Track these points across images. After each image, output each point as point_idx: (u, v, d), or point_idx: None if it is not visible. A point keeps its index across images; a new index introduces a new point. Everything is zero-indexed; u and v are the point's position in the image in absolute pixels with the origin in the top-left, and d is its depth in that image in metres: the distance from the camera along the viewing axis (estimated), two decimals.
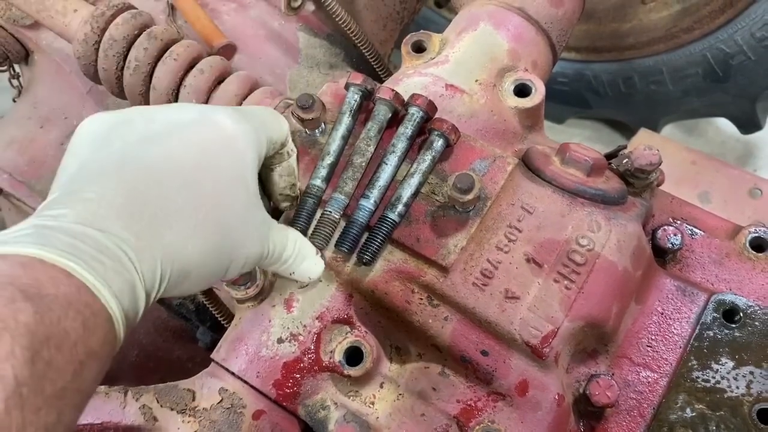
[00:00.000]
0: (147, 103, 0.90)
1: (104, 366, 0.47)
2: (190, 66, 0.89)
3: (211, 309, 0.86)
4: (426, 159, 0.71)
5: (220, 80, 0.90)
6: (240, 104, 0.86)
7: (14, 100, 1.24)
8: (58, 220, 0.48)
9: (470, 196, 0.67)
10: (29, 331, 0.40)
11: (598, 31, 1.79)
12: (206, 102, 0.88)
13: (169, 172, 0.54)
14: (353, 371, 0.70)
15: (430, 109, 0.72)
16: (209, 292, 0.87)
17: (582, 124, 2.10)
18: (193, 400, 0.70)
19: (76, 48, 0.91)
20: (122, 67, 0.89)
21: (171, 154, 0.55)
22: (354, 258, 0.71)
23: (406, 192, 0.70)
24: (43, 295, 0.43)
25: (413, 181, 0.71)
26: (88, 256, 0.47)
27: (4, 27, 1.06)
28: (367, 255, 0.70)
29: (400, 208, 0.70)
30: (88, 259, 0.47)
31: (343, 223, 0.72)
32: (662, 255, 0.80)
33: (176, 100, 0.88)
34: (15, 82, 1.21)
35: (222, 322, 0.88)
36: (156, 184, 0.53)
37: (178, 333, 1.03)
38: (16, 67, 1.20)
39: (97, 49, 0.90)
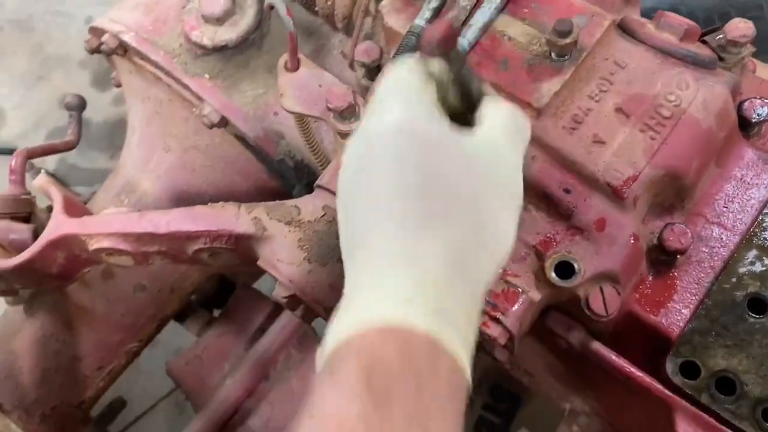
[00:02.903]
0: None
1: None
2: None
3: (313, 156, 0.94)
4: None
5: None
6: None
7: None
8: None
9: (568, 40, 0.72)
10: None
11: None
12: None
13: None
14: None
15: None
16: (312, 137, 0.95)
17: None
18: (299, 214, 0.78)
19: None
20: None
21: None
22: None
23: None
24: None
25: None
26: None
27: None
28: None
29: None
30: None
31: None
32: (747, 128, 0.83)
33: None
34: None
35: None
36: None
37: (275, 194, 1.12)
38: None
39: None
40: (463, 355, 0.46)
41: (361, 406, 0.40)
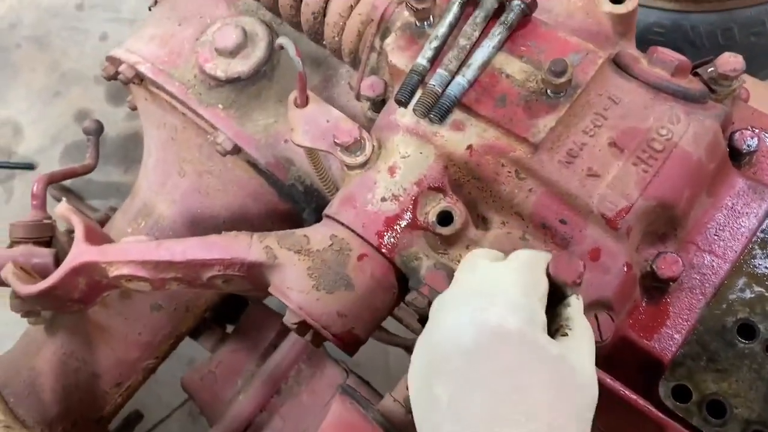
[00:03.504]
0: (276, 2, 1.01)
1: None
2: None
3: (322, 184, 0.98)
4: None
5: None
6: (357, 2, 0.95)
7: (150, 9, 1.40)
8: None
9: (563, 79, 0.76)
10: None
11: None
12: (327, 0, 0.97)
13: None
14: (444, 230, 0.80)
15: (531, 4, 0.80)
16: (321, 168, 0.99)
17: None
18: (308, 243, 0.82)
19: None
20: None
21: None
22: (448, 128, 0.81)
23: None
24: None
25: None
26: None
27: None
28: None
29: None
30: None
31: None
32: (738, 158, 0.86)
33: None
34: None
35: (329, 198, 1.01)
36: None
37: (286, 216, 1.16)
38: None
39: None
40: None
41: None
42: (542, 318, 0.59)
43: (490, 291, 0.59)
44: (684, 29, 1.88)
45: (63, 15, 2.60)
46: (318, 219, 0.91)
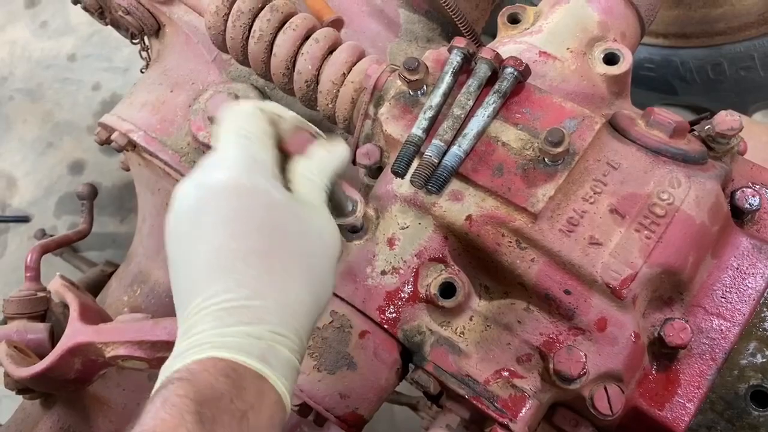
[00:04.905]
0: (268, 69, 1.01)
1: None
2: (307, 36, 1.00)
3: None
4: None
5: (332, 49, 1.00)
6: (350, 70, 0.95)
7: (142, 71, 1.40)
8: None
9: (560, 149, 0.75)
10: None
11: (688, 16, 1.80)
12: (320, 68, 0.98)
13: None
14: (447, 303, 0.79)
15: (525, 70, 0.80)
16: None
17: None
18: None
19: (207, 19, 1.03)
20: (247, 37, 1.01)
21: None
22: (446, 198, 0.80)
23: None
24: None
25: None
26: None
27: (142, 3, 1.20)
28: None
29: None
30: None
31: None
32: (740, 216, 0.85)
33: (294, 66, 0.99)
34: (144, 54, 1.36)
35: None
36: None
37: None
38: (146, 40, 1.34)
39: (225, 21, 1.02)
40: (286, 390, 0.55)
41: (187, 429, 0.48)
42: (266, 166, 0.60)
43: (215, 159, 0.60)
44: (674, 65, 1.89)
45: (55, 66, 2.61)
46: None
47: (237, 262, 0.55)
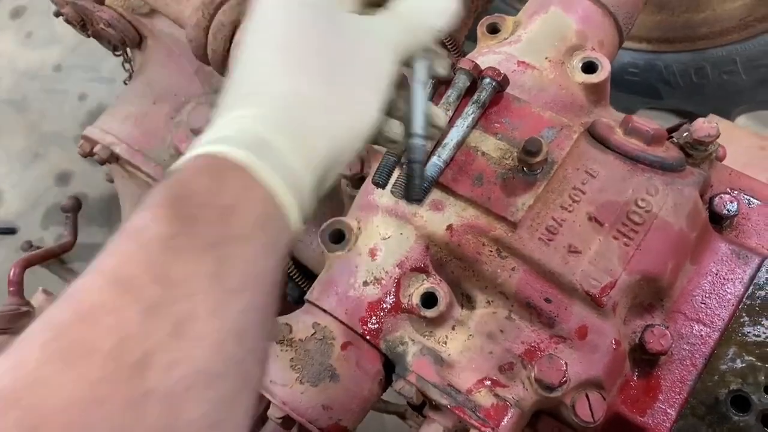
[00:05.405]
0: None
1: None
2: None
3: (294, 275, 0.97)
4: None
5: None
6: None
7: (125, 83, 1.40)
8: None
9: (538, 158, 0.75)
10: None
11: (671, 21, 1.81)
12: None
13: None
14: (429, 313, 0.79)
15: (503, 80, 0.80)
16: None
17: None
18: (290, 332, 0.81)
19: (188, 32, 1.03)
20: (228, 49, 1.01)
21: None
22: (427, 208, 0.80)
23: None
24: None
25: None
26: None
27: (124, 15, 1.20)
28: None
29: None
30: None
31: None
32: (719, 222, 0.86)
33: None
34: (127, 65, 1.36)
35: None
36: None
37: None
38: (129, 52, 1.34)
39: (206, 33, 1.02)
40: (285, 192, 0.48)
41: (161, 228, 0.42)
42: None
43: None
44: (658, 69, 1.91)
45: (41, 77, 2.60)
46: (301, 293, 0.90)
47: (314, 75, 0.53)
